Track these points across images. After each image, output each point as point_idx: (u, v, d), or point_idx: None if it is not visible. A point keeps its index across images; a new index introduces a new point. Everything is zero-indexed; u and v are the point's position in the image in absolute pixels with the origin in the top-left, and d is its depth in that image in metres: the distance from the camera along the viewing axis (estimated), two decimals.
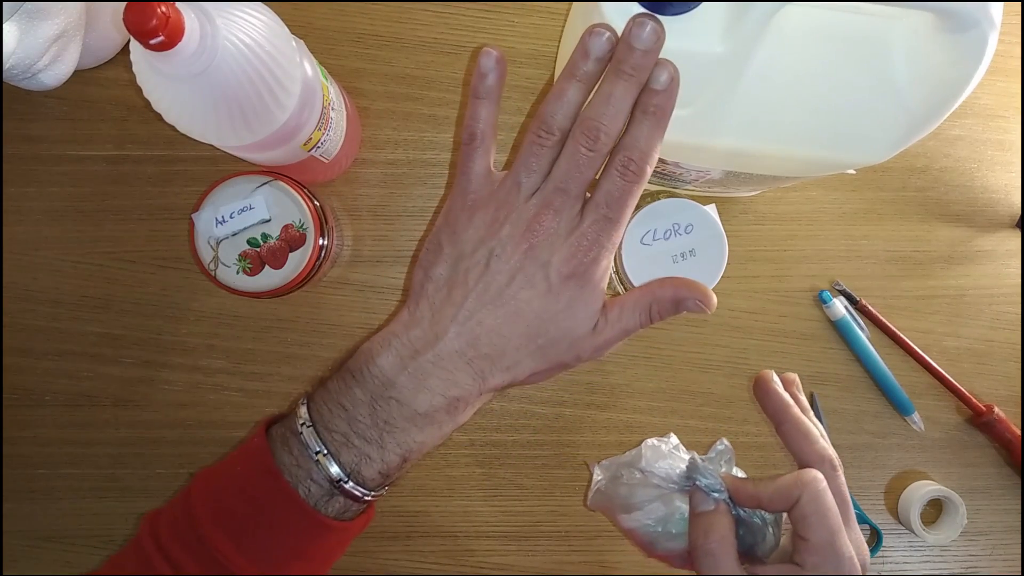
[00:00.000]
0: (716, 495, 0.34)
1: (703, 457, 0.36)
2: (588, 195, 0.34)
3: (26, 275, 0.55)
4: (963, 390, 0.56)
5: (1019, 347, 0.58)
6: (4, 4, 0.40)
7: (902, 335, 0.56)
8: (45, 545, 0.56)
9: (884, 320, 0.56)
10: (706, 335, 0.57)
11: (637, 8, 0.32)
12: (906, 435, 0.57)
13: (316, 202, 0.49)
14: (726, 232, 0.48)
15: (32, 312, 0.55)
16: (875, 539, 0.57)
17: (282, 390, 0.55)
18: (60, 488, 0.55)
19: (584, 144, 0.33)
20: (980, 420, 0.56)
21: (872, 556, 0.57)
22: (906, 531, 0.57)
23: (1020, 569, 0.58)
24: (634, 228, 0.49)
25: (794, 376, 0.39)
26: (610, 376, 0.57)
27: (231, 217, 0.47)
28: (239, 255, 0.47)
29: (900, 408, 0.56)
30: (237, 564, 0.33)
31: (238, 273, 0.47)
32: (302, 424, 0.34)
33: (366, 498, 0.34)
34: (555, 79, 0.35)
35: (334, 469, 0.33)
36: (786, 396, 0.37)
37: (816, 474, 0.33)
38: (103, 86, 0.54)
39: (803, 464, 0.35)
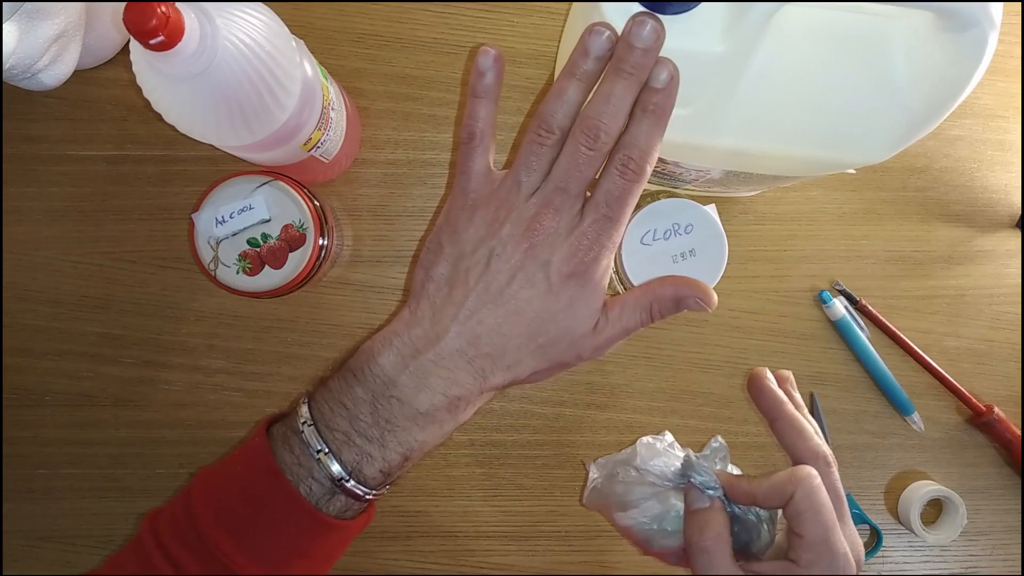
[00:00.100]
0: (711, 492, 0.34)
1: (698, 454, 0.36)
2: (588, 194, 0.34)
3: (26, 275, 0.55)
4: (963, 390, 0.56)
5: (1019, 347, 0.58)
6: (4, 4, 0.40)
7: (902, 335, 0.56)
8: (45, 545, 0.56)
9: (884, 320, 0.56)
10: (706, 335, 0.57)
11: (637, 8, 0.32)
12: (906, 435, 0.57)
13: (316, 202, 0.49)
14: (726, 232, 0.48)
15: (32, 312, 0.55)
16: (875, 539, 0.57)
17: (282, 390, 0.55)
18: (60, 488, 0.55)
19: (584, 143, 0.33)
20: (980, 420, 0.56)
21: (872, 556, 0.57)
22: (906, 531, 0.57)
23: (1020, 569, 0.58)
24: (634, 228, 0.49)
25: (788, 373, 0.39)
26: (610, 376, 0.57)
27: (231, 217, 0.47)
28: (239, 255, 0.47)
29: (900, 408, 0.56)
30: (238, 563, 0.33)
31: (238, 273, 0.47)
32: (303, 423, 0.34)
33: (367, 497, 0.34)
34: (555, 78, 0.35)
35: (335, 468, 0.33)
36: (780, 393, 0.37)
37: (810, 470, 0.33)
38: (103, 86, 0.54)
39: (797, 460, 0.35)
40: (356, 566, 0.56)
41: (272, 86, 0.38)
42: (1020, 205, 0.57)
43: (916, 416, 0.56)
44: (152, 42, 0.31)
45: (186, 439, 0.55)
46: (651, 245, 0.49)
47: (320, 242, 0.48)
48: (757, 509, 0.35)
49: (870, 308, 0.56)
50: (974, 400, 0.56)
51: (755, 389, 0.37)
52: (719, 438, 0.37)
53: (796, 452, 0.35)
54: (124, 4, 0.31)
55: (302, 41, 0.43)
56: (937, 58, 0.34)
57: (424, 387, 0.34)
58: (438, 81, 0.55)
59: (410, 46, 0.55)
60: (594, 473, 0.38)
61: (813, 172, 0.44)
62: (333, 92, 0.47)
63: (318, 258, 0.48)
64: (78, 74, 0.50)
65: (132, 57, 0.37)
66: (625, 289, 0.51)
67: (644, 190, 0.53)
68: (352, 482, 0.33)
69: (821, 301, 0.56)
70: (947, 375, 0.56)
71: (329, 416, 0.34)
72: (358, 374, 0.34)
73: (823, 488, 0.32)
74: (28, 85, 0.47)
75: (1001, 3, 0.31)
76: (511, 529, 0.56)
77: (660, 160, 0.43)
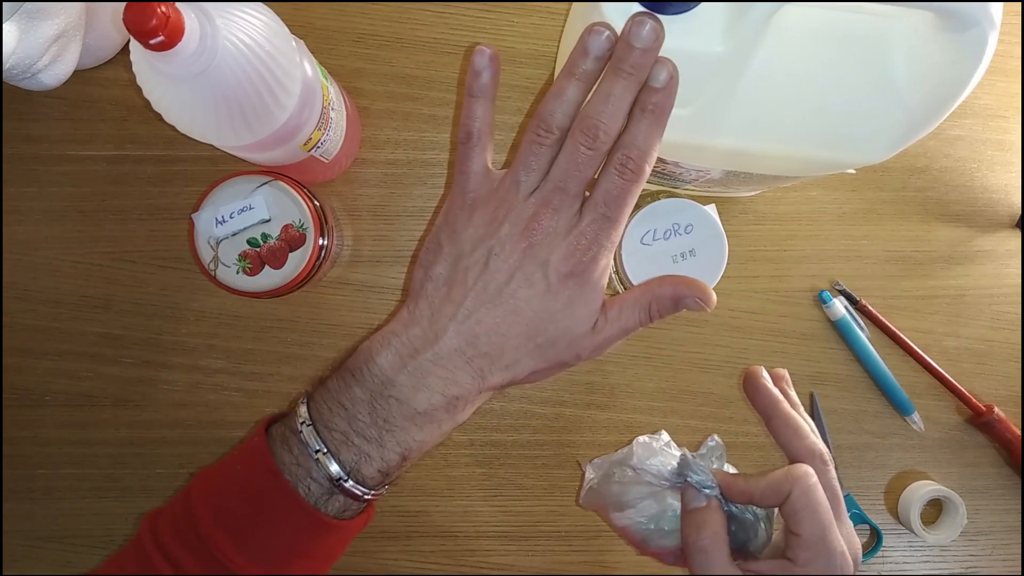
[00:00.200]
0: (708, 491, 0.34)
1: (694, 453, 0.36)
2: (587, 194, 0.34)
3: (26, 275, 0.55)
4: (963, 390, 0.56)
5: (1019, 347, 0.58)
6: (4, 4, 0.40)
7: (902, 335, 0.56)
8: (45, 545, 0.56)
9: (884, 320, 0.56)
10: (706, 335, 0.57)
11: (637, 8, 0.32)
12: (906, 435, 0.57)
13: (316, 202, 0.49)
14: (726, 232, 0.48)
15: (32, 312, 0.55)
16: (875, 539, 0.57)
17: (282, 390, 0.55)
18: (60, 488, 0.55)
19: (583, 143, 0.33)
20: (980, 420, 0.56)
21: (872, 556, 0.57)
22: (906, 531, 0.57)
23: (1020, 569, 0.58)
24: (634, 228, 0.49)
25: (783, 371, 0.39)
26: (610, 376, 0.57)
27: (231, 217, 0.47)
28: (239, 255, 0.47)
29: (900, 408, 0.56)
30: (237, 563, 0.33)
31: (238, 273, 0.47)
32: (302, 423, 0.34)
33: (366, 497, 0.34)
34: (554, 78, 0.35)
35: (334, 468, 0.33)
36: (775, 391, 0.37)
37: (807, 469, 0.33)
38: (103, 86, 0.54)
39: (793, 459, 0.35)
40: (356, 566, 0.56)
41: (272, 86, 0.38)
42: (1020, 205, 0.57)
43: (916, 416, 0.56)
44: (152, 42, 0.31)
45: (186, 439, 0.55)
46: (651, 245, 0.49)
47: (320, 242, 0.48)
48: (754, 508, 0.35)
49: (870, 308, 0.56)
50: (974, 400, 0.56)
51: (751, 387, 0.37)
52: (715, 437, 0.37)
53: (792, 450, 0.35)
54: (124, 4, 0.31)
55: (302, 41, 0.43)
56: (937, 58, 0.34)
57: (422, 387, 0.33)
58: (438, 81, 0.55)
59: (410, 46, 0.55)
60: (590, 473, 0.38)
61: (813, 172, 0.44)
62: (333, 92, 0.47)
63: (318, 258, 0.48)
64: (78, 74, 0.50)
65: (132, 57, 0.37)
66: (625, 289, 0.51)
67: (644, 190, 0.53)
68: (351, 482, 0.33)
69: (821, 301, 0.56)
70: (947, 375, 0.56)
71: (328, 416, 0.34)
72: (356, 374, 0.34)
73: (820, 486, 0.32)
74: (28, 85, 0.47)
75: (1001, 3, 0.31)
76: (511, 529, 0.56)
77: (660, 160, 0.43)
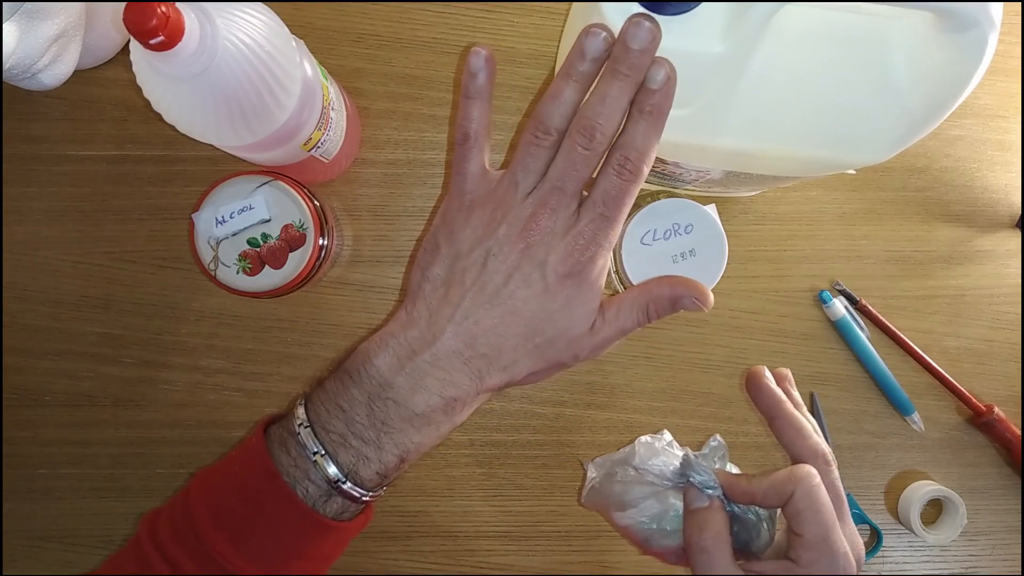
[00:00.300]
0: (710, 491, 0.34)
1: (697, 453, 0.36)
2: (585, 194, 0.34)
3: (26, 275, 0.55)
4: (963, 390, 0.56)
5: (1019, 347, 0.58)
6: (4, 4, 0.40)
7: (902, 335, 0.56)
8: (45, 545, 0.56)
9: (884, 320, 0.56)
10: (706, 335, 0.57)
11: (637, 8, 0.32)
12: (906, 435, 0.57)
13: (316, 202, 0.49)
14: (726, 232, 0.49)
15: (32, 312, 0.55)
16: (875, 539, 0.57)
17: (282, 390, 0.55)
18: (60, 488, 0.55)
19: (580, 143, 0.33)
20: (980, 420, 0.56)
21: (872, 556, 0.57)
22: (906, 531, 0.57)
23: (1020, 569, 0.58)
24: (634, 228, 0.49)
25: (786, 371, 0.39)
26: (610, 376, 0.57)
27: (231, 217, 0.47)
28: (239, 255, 0.47)
29: (900, 408, 0.56)
30: (235, 564, 0.33)
31: (238, 273, 0.47)
32: (300, 424, 0.34)
33: (364, 499, 0.34)
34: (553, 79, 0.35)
35: (332, 470, 0.33)
36: (778, 391, 0.37)
37: (810, 469, 0.33)
38: (103, 86, 0.54)
39: (796, 459, 0.35)
40: (356, 566, 0.56)
41: (272, 86, 0.38)
42: (1020, 205, 0.57)
43: (916, 416, 0.56)
44: (152, 42, 0.31)
45: (186, 439, 0.55)
46: (651, 245, 0.49)
47: (320, 242, 0.48)
48: (756, 508, 0.35)
49: (870, 308, 0.56)
50: (974, 400, 0.56)
51: (753, 387, 0.37)
52: (718, 437, 0.37)
53: (795, 451, 0.35)
54: (124, 4, 0.31)
55: (302, 41, 0.43)
56: (937, 58, 0.34)
57: (420, 388, 0.33)
58: (438, 81, 0.55)
59: (410, 46, 0.55)
60: (592, 473, 0.38)
61: (813, 172, 0.44)
62: (333, 92, 0.47)
63: (318, 258, 0.48)
64: (78, 74, 0.50)
65: (132, 57, 0.37)
66: (625, 289, 0.51)
67: (644, 190, 0.53)
68: (348, 484, 0.33)
69: (821, 301, 0.56)
70: (947, 375, 0.56)
71: (325, 418, 0.34)
72: (354, 375, 0.34)
73: (823, 487, 0.32)
74: (28, 85, 0.47)
75: (1001, 3, 0.31)
76: (511, 529, 0.56)
77: (660, 160, 0.43)
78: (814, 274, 0.57)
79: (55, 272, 0.55)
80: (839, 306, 0.55)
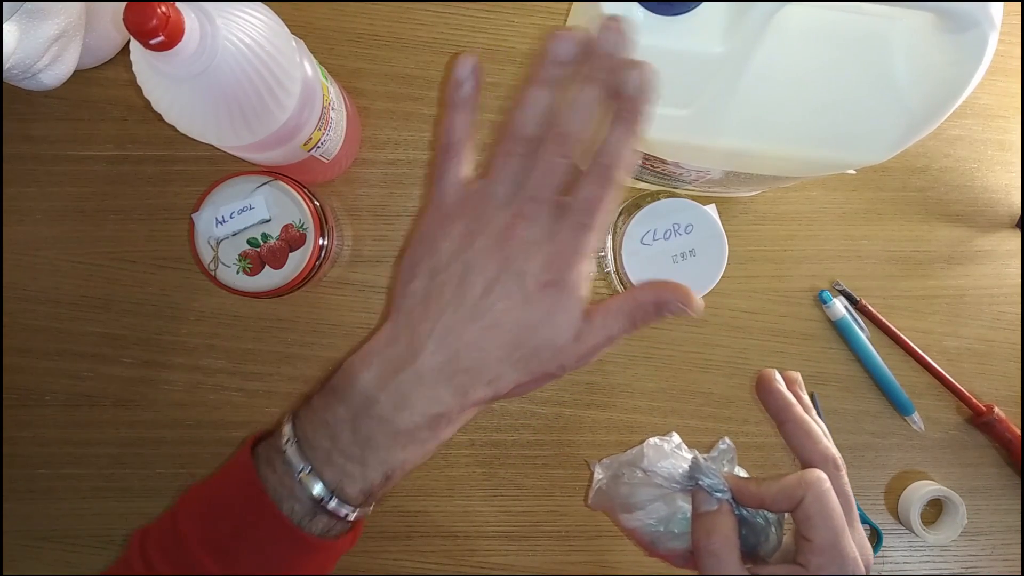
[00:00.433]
0: (719, 495, 0.34)
1: (706, 456, 0.36)
2: (562, 201, 0.34)
3: (26, 275, 0.55)
4: (963, 390, 0.56)
5: (1019, 347, 0.58)
6: (4, 4, 0.40)
7: (902, 335, 0.56)
8: (45, 545, 0.56)
9: (884, 320, 0.56)
10: (706, 335, 0.57)
11: (637, 8, 0.32)
12: (906, 435, 0.57)
13: (316, 202, 0.49)
14: (726, 232, 0.49)
15: (32, 312, 0.55)
16: (875, 539, 0.57)
17: (282, 390, 0.55)
18: (60, 488, 0.55)
19: (554, 151, 0.32)
20: (980, 420, 0.56)
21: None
22: (906, 531, 0.57)
23: (1020, 569, 0.58)
24: (634, 228, 0.49)
25: (796, 375, 0.39)
26: (610, 376, 0.57)
27: (231, 217, 0.47)
28: (239, 255, 0.47)
29: (900, 408, 0.56)
30: None
31: (238, 273, 0.47)
32: (286, 441, 0.33)
33: (349, 517, 0.34)
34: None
35: (317, 488, 0.33)
36: (789, 395, 0.37)
37: (820, 474, 0.33)
38: (103, 86, 0.54)
39: (806, 464, 0.35)
40: (356, 566, 0.56)
41: (272, 86, 0.38)
42: (1020, 205, 0.57)
43: (916, 416, 0.56)
44: (152, 42, 0.31)
45: (186, 439, 0.55)
46: (651, 245, 0.49)
47: (320, 242, 0.48)
48: (765, 512, 0.35)
49: (870, 308, 0.56)
50: (974, 400, 0.56)
51: (764, 391, 0.37)
52: (727, 440, 0.37)
53: (805, 455, 0.35)
54: (124, 4, 0.31)
55: (302, 41, 0.43)
56: (937, 58, 0.34)
57: (404, 406, 0.33)
58: (438, 81, 0.55)
59: (410, 46, 0.55)
60: (599, 474, 0.38)
61: (813, 172, 0.44)
62: (333, 92, 0.47)
63: (318, 258, 0.48)
64: (78, 74, 0.50)
65: (132, 57, 0.36)
66: (626, 289, 0.51)
67: (644, 190, 0.53)
68: (334, 502, 0.33)
69: (821, 301, 0.56)
70: (947, 375, 0.56)
71: (311, 435, 0.33)
72: (339, 392, 0.34)
73: (833, 492, 0.32)
74: (28, 85, 0.47)
75: (1001, 3, 0.31)
76: (511, 529, 0.56)
77: (660, 160, 0.43)
78: (814, 274, 0.57)
79: (55, 272, 0.55)
80: (839, 306, 0.55)
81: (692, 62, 0.33)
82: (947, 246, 0.57)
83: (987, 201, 0.58)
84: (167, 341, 0.55)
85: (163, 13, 0.31)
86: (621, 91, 0.31)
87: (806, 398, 0.38)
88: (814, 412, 0.37)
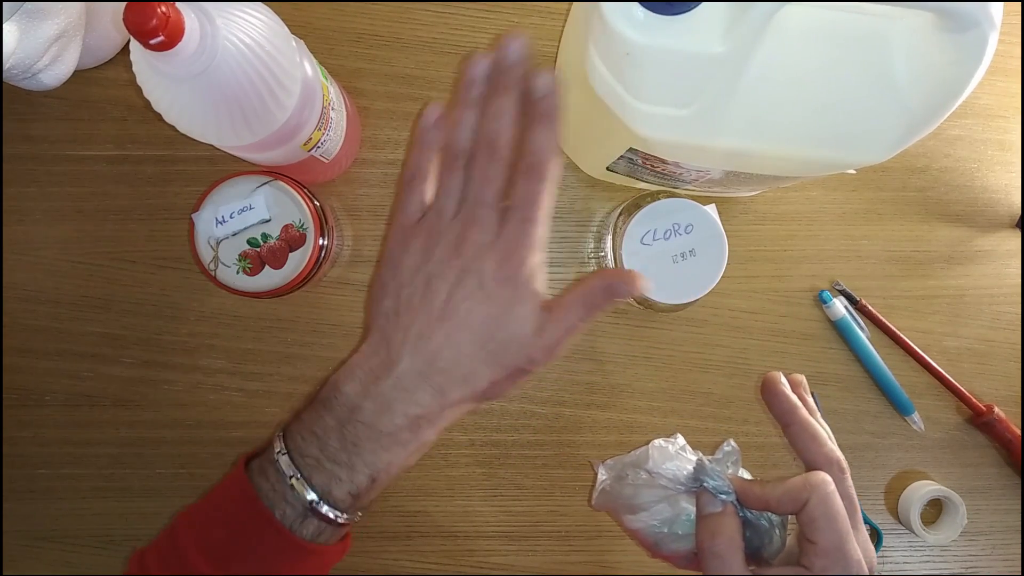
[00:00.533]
0: (723, 497, 0.34)
1: (710, 458, 0.36)
2: (506, 205, 0.37)
3: (26, 275, 0.55)
4: (963, 390, 0.56)
5: (1019, 347, 0.58)
6: (4, 4, 0.40)
7: (902, 335, 0.56)
8: (45, 545, 0.56)
9: (884, 320, 0.56)
10: (706, 335, 0.57)
11: (637, 8, 0.32)
12: (906, 435, 0.57)
13: (316, 202, 0.49)
14: (726, 232, 0.49)
15: (32, 312, 0.55)
16: (875, 539, 0.57)
17: (282, 390, 0.55)
18: (60, 488, 0.55)
19: (487, 159, 0.36)
20: (980, 420, 0.56)
21: None
22: (906, 531, 0.57)
23: (1020, 569, 0.58)
24: (634, 228, 0.49)
25: (801, 378, 0.39)
26: (610, 376, 0.57)
27: (231, 217, 0.47)
28: (239, 255, 0.47)
29: (900, 408, 0.56)
30: None
31: (238, 273, 0.47)
32: (278, 452, 0.36)
33: (339, 520, 0.35)
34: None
35: (308, 493, 0.35)
36: (794, 398, 0.37)
37: (825, 477, 0.33)
38: (103, 86, 0.54)
39: (811, 466, 0.35)
40: (356, 566, 0.56)
41: (272, 86, 0.38)
42: (1020, 205, 0.57)
43: (916, 416, 0.56)
44: (152, 42, 0.31)
45: (186, 439, 0.55)
46: (651, 245, 0.49)
47: (320, 242, 0.48)
48: (769, 514, 0.35)
49: (870, 308, 0.56)
50: (974, 400, 0.56)
51: (769, 393, 0.38)
52: (731, 442, 0.37)
53: (810, 457, 0.35)
54: (124, 4, 0.31)
55: (302, 41, 0.43)
56: (937, 58, 0.34)
57: (386, 410, 0.35)
58: (438, 81, 0.55)
59: (410, 46, 0.55)
60: (603, 475, 0.38)
61: (813, 172, 0.44)
62: (333, 92, 0.47)
63: (318, 258, 0.48)
64: (78, 74, 0.50)
65: (132, 57, 0.37)
66: None
67: (644, 190, 0.53)
68: (324, 505, 0.35)
69: (821, 301, 0.56)
70: (947, 375, 0.56)
71: (301, 444, 0.36)
72: (326, 404, 0.36)
73: (838, 495, 0.33)
74: (28, 85, 0.47)
75: (1001, 3, 0.31)
76: (511, 529, 0.56)
77: (660, 160, 0.43)
78: (814, 274, 0.57)
79: (55, 272, 0.55)
80: (839, 306, 0.55)
81: (692, 62, 0.33)
82: (947, 246, 0.57)
83: (987, 201, 0.58)
84: (167, 341, 0.55)
85: (163, 13, 0.31)
86: (533, 96, 0.36)
87: (811, 401, 0.38)
88: (819, 415, 0.37)
